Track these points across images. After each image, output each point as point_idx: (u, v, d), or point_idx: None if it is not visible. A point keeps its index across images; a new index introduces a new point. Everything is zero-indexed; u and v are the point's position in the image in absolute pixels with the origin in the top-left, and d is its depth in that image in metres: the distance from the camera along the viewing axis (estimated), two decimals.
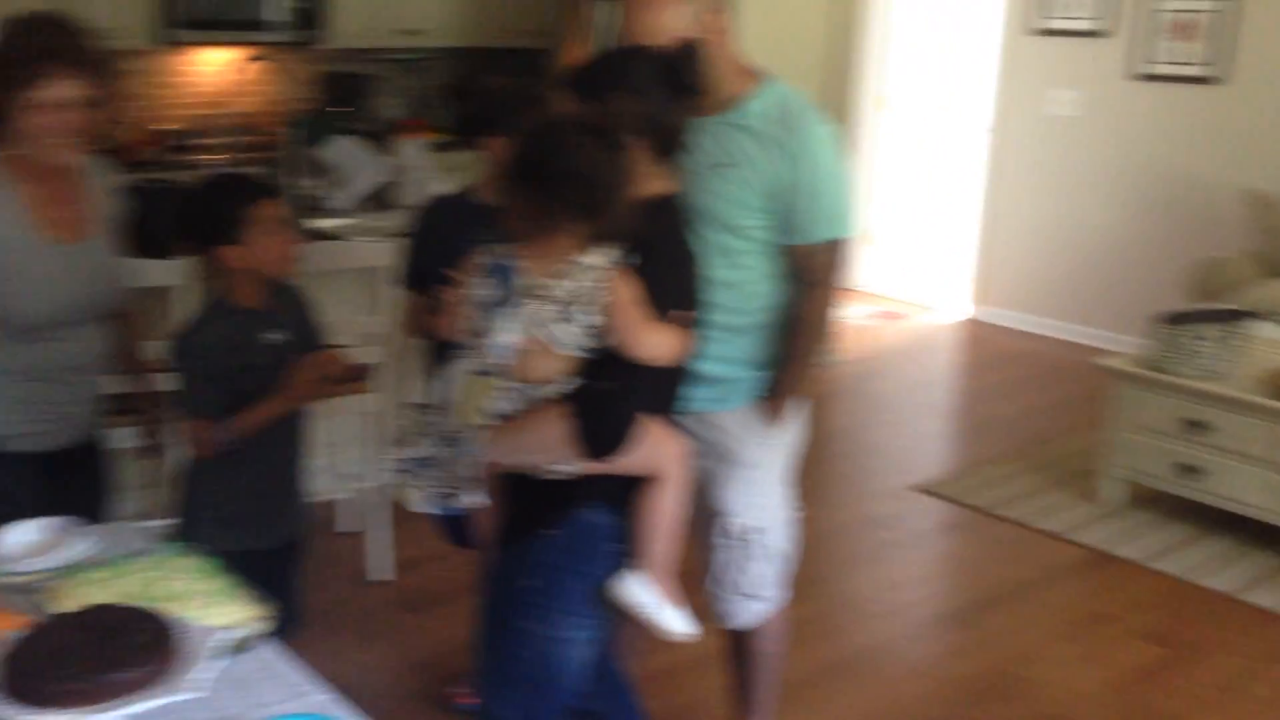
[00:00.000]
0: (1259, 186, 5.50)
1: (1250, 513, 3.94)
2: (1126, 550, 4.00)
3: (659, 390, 2.04)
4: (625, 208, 1.87)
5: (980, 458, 4.82)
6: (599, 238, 1.88)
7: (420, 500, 2.00)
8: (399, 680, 3.12)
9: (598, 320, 1.88)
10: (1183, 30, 5.81)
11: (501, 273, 1.89)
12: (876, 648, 3.43)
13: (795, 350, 2.40)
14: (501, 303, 1.88)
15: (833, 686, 3.21)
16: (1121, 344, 5.29)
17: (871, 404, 5.62)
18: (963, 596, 3.81)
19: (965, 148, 7.07)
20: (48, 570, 1.89)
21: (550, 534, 2.04)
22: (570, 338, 1.88)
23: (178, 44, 5.89)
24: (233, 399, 2.35)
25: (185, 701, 1.53)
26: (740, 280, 2.31)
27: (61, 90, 2.18)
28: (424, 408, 2.02)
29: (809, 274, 2.36)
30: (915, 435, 5.15)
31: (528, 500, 2.03)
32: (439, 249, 2.12)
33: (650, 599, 2.11)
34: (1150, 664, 3.34)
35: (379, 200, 4.59)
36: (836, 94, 6.16)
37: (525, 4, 6.67)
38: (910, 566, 3.95)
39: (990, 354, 6.29)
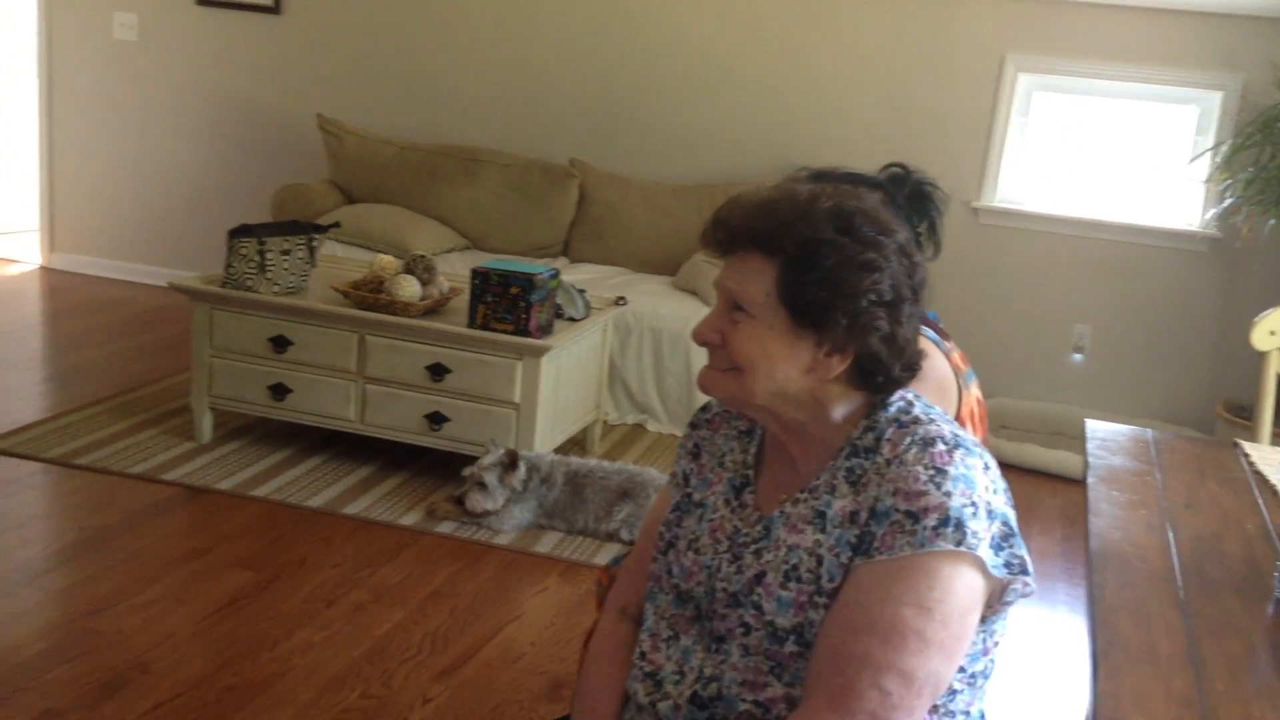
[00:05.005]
0: (327, 114, 5.58)
1: (340, 426, 3.89)
2: (222, 482, 3.73)
3: None
4: None
5: (59, 410, 4.21)
6: None
7: None
8: None
9: None
10: None
11: None
12: None
13: None
14: None
15: None
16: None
17: None
18: (26, 555, 3.22)
19: (20, 76, 6.27)
20: None
21: None
22: None
23: None
24: None
25: None
26: None
27: None
28: None
29: None
30: None
31: None
32: None
33: None
34: (244, 591, 3.09)
35: None
36: None
37: None
38: None
39: (69, 304, 5.63)
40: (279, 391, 3.89)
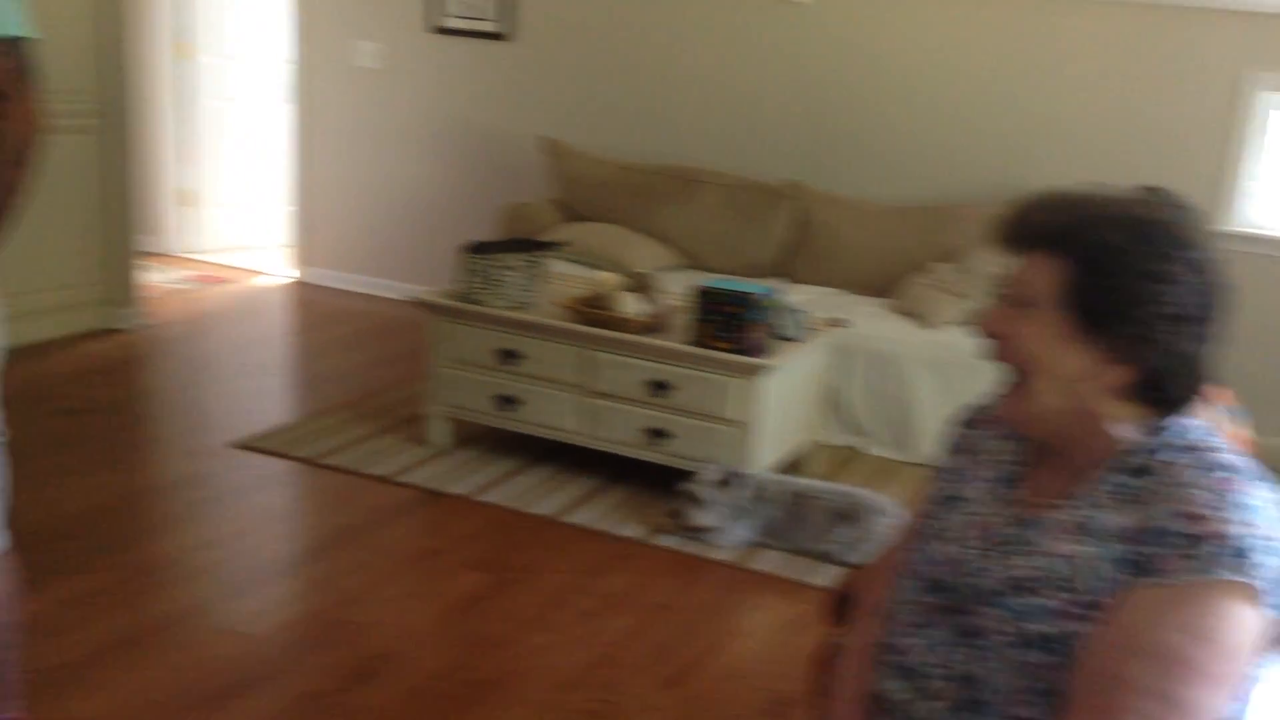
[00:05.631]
0: (551, 135, 5.79)
1: (565, 438, 4.05)
2: (454, 487, 3.93)
3: None
4: None
5: (308, 413, 4.52)
6: None
7: None
8: None
9: None
10: None
11: None
12: (180, 613, 2.99)
13: None
14: None
15: (123, 662, 2.73)
16: None
17: (189, 366, 5.09)
18: (284, 548, 3.48)
19: (274, 102, 6.76)
20: None
21: None
22: None
23: None
24: None
25: None
26: None
27: None
28: None
29: None
30: (237, 395, 4.72)
31: None
32: None
33: None
34: (478, 592, 3.26)
35: None
36: (116, 36, 5.44)
37: None
38: (225, 524, 3.54)
39: (317, 314, 6.02)
40: (507, 402, 4.07)
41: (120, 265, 5.31)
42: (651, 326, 3.94)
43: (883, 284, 5.01)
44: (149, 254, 6.09)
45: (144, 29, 6.31)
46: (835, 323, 4.33)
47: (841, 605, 1.86)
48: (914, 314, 4.68)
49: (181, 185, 6.74)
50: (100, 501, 3.58)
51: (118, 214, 5.25)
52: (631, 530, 3.71)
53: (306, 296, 6.30)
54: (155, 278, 5.99)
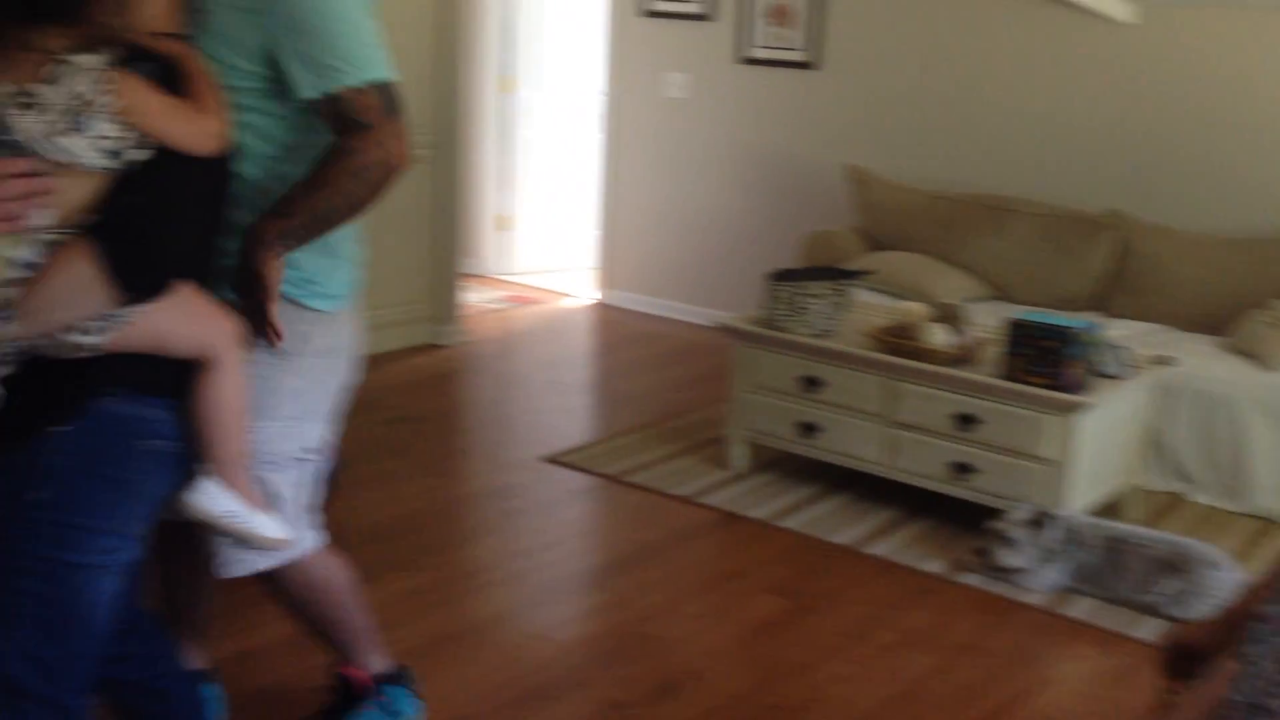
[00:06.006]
0: (856, 164, 5.74)
1: (865, 467, 3.99)
2: (753, 511, 3.96)
3: (199, 222, 1.67)
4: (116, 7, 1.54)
5: (611, 431, 4.67)
6: (88, 42, 1.52)
7: None
8: None
9: (112, 126, 1.51)
10: (780, 16, 6.00)
11: None
12: (496, 616, 3.16)
13: (298, 195, 1.91)
14: None
15: (444, 657, 2.90)
16: None
17: (500, 381, 5.38)
18: (589, 561, 3.61)
19: (586, 131, 7.04)
20: None
21: (62, 430, 1.60)
22: (84, 150, 1.50)
23: None
24: None
25: None
26: (247, 148, 1.91)
27: None
28: None
29: (341, 121, 1.93)
30: (545, 410, 4.94)
31: (30, 391, 1.57)
32: None
33: (236, 506, 1.79)
34: (777, 617, 3.26)
35: None
36: (451, 74, 5.85)
37: None
38: (536, 534, 3.70)
39: (619, 335, 6.22)
40: (807, 429, 4.06)
41: (445, 285, 5.69)
42: (959, 358, 3.83)
43: (1212, 321, 4.67)
44: (468, 275, 6.47)
45: (473, 66, 6.74)
46: (1160, 360, 4.07)
47: (1180, 660, 1.75)
48: (1250, 353, 4.33)
49: (500, 211, 7.14)
50: (423, 506, 3.82)
51: (445, 238, 5.63)
52: (934, 565, 3.61)
53: (609, 318, 6.53)
54: (473, 297, 6.36)
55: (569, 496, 4.04)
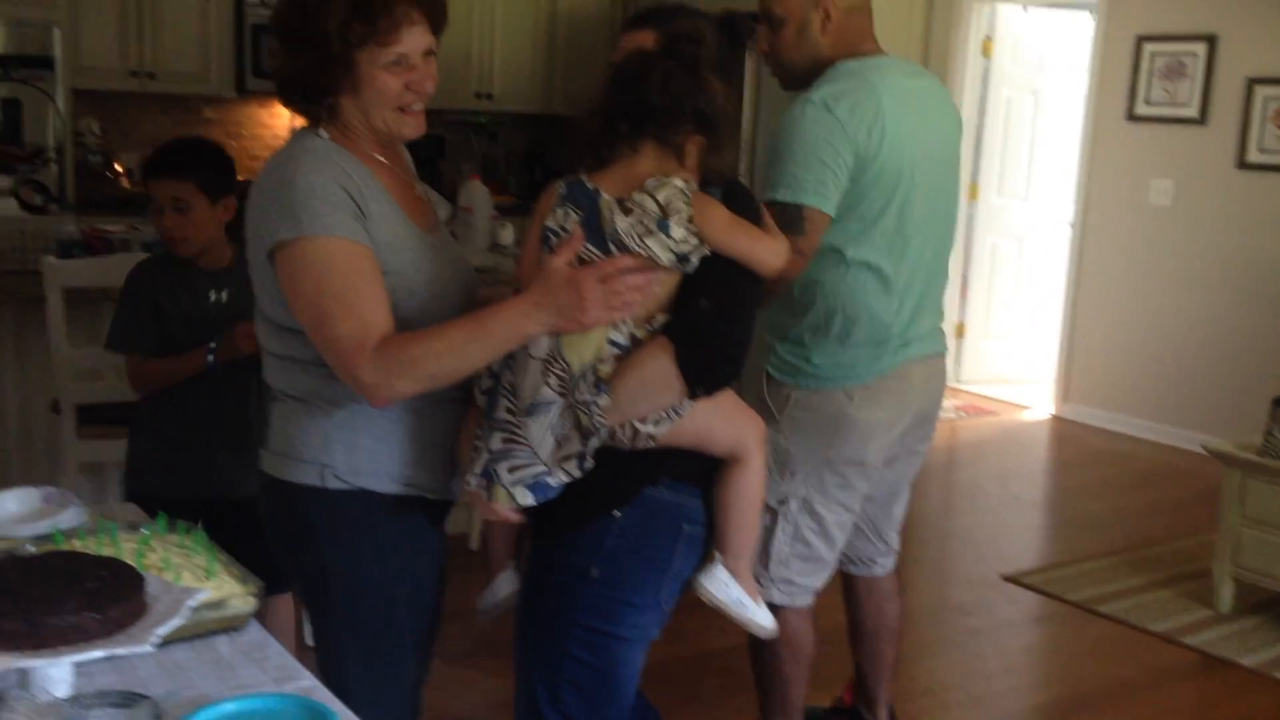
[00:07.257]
0: None
1: None
2: (1242, 658, 3.60)
3: (753, 329, 1.84)
4: (715, 138, 1.78)
5: (1072, 553, 4.44)
6: (679, 164, 1.77)
7: (517, 494, 1.71)
8: None
9: (685, 232, 1.70)
10: None
11: (581, 194, 1.74)
12: None
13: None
14: (588, 222, 1.71)
15: None
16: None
17: (958, 493, 5.28)
18: (1054, 692, 3.43)
19: (1052, 240, 6.84)
20: (34, 536, 1.70)
21: (618, 516, 1.79)
22: (661, 250, 1.70)
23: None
24: (163, 343, 2.51)
25: (156, 673, 1.30)
26: None
27: (421, 38, 1.71)
28: (490, 399, 1.77)
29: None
30: (1003, 526, 4.79)
31: (591, 478, 1.76)
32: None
33: (739, 594, 1.89)
34: None
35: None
36: None
37: (595, 72, 6.68)
38: (997, 657, 3.58)
39: (1080, 452, 5.91)
40: None
41: None
42: None
43: None
44: None
45: None
46: None
47: None
48: None
49: (957, 318, 7.06)
50: None
51: None
52: None
53: (1067, 432, 6.23)
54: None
55: (1030, 620, 3.88)
